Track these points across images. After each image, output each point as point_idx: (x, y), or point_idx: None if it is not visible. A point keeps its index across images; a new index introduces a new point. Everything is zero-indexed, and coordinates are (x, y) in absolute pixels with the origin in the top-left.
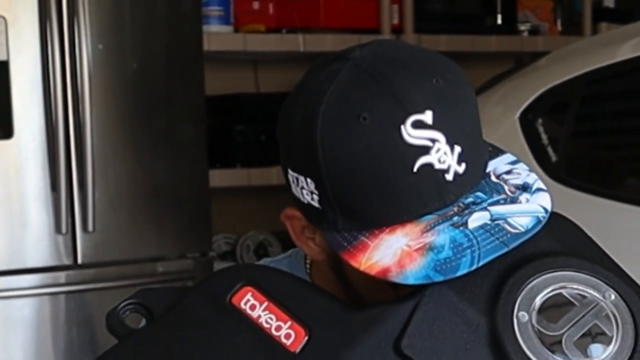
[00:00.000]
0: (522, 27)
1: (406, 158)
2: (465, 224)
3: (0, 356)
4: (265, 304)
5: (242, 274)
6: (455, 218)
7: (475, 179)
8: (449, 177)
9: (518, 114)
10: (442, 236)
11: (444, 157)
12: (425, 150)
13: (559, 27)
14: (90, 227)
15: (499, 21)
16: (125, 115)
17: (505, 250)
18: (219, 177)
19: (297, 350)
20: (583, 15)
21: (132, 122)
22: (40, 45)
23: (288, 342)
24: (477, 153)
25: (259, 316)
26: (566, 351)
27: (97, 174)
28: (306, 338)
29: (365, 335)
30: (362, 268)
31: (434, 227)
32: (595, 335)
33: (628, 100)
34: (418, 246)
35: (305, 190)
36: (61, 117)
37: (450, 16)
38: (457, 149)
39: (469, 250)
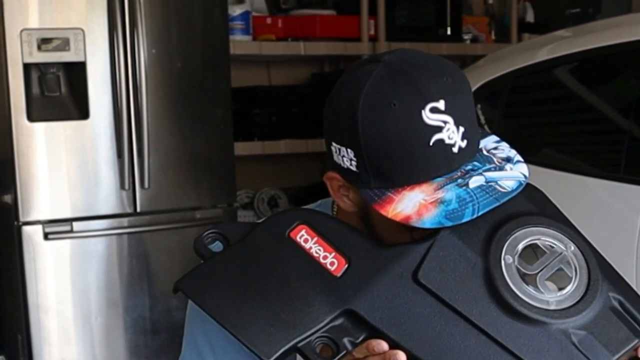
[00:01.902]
0: (466, 37)
1: (425, 134)
2: (467, 184)
3: (80, 280)
4: (315, 238)
5: (298, 215)
6: (459, 180)
7: (473, 152)
8: (455, 149)
9: None
10: (450, 193)
11: (452, 134)
12: (439, 129)
13: (493, 37)
14: (146, 185)
15: (449, 32)
16: (172, 102)
17: (497, 204)
18: (241, 148)
19: (339, 275)
20: (510, 28)
21: (177, 107)
22: (109, 50)
23: (332, 268)
24: (474, 133)
25: (310, 247)
26: (539, 286)
27: (151, 145)
28: (346, 265)
29: (391, 265)
30: (389, 216)
31: (444, 186)
32: (563, 280)
33: (543, 90)
34: (432, 200)
35: (346, 158)
36: (124, 103)
37: (412, 28)
38: (461, 129)
39: (470, 204)
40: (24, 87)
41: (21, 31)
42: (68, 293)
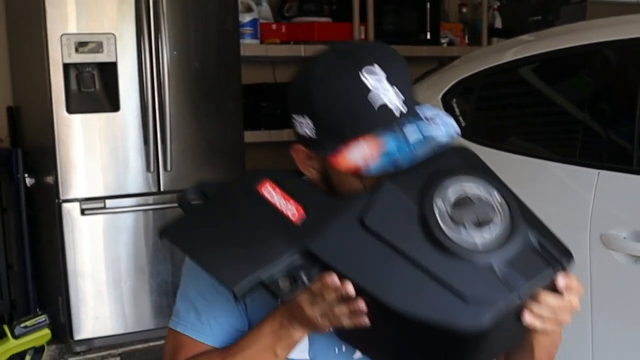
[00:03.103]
0: (443, 41)
1: (364, 91)
2: (406, 137)
3: (112, 249)
4: (278, 192)
5: (265, 173)
6: (400, 134)
7: (410, 112)
8: (392, 107)
9: (440, 96)
10: (392, 144)
11: (388, 93)
12: (375, 88)
13: (466, 41)
14: (168, 167)
15: (428, 36)
16: (190, 97)
17: (431, 154)
18: (250, 136)
19: (298, 221)
20: (481, 33)
21: (195, 101)
22: (136, 52)
23: (292, 216)
24: (409, 96)
25: (274, 199)
26: (467, 228)
27: (172, 133)
28: (303, 213)
29: (342, 212)
30: (342, 167)
31: (386, 139)
32: (487, 222)
33: (510, 87)
34: (377, 151)
35: (305, 125)
36: (150, 97)
37: (397, 33)
38: (395, 88)
39: (409, 154)
40: (64, 84)
41: (61, 36)
42: (101, 261)
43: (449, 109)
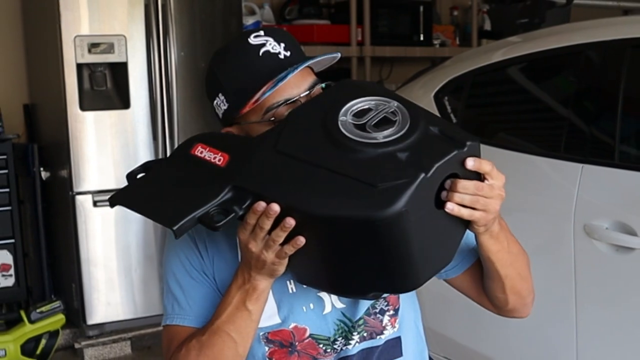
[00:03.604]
0: (435, 42)
1: (254, 50)
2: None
3: (123, 239)
4: (207, 149)
5: (197, 138)
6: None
7: (299, 59)
8: (281, 56)
9: (432, 94)
10: (282, 74)
11: (275, 47)
12: (263, 45)
13: (457, 42)
14: None
15: (421, 38)
16: (197, 95)
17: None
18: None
19: (224, 165)
20: (472, 35)
21: (201, 99)
22: (146, 52)
23: (219, 162)
24: (296, 50)
25: (204, 155)
26: (368, 129)
27: (180, 130)
28: (228, 158)
29: (259, 146)
30: (250, 107)
31: (278, 81)
32: (387, 122)
33: (498, 85)
34: (272, 90)
35: (221, 104)
36: (158, 96)
37: (392, 35)
38: (282, 44)
39: (294, 71)
40: (77, 83)
41: (75, 37)
42: (112, 250)
43: (441, 107)
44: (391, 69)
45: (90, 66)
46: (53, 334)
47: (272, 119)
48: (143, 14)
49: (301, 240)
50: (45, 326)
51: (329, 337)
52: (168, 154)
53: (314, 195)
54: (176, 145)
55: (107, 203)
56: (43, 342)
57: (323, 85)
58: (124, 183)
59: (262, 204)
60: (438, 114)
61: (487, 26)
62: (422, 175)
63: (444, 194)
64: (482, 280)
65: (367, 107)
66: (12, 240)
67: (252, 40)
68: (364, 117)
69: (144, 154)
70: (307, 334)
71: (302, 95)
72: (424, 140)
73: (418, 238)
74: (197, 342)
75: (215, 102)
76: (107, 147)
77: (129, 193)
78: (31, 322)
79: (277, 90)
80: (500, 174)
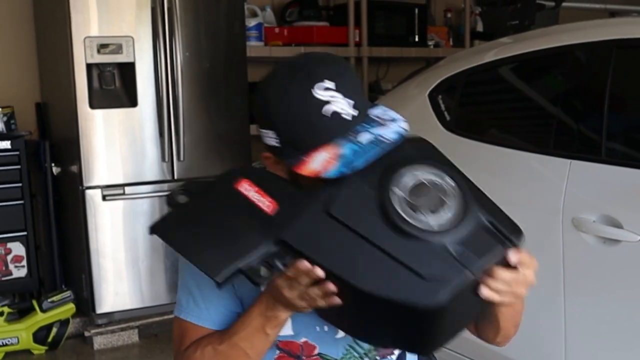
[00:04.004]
0: (430, 43)
1: (318, 107)
2: (359, 141)
3: (130, 232)
4: (255, 188)
5: (242, 172)
6: (353, 139)
7: (361, 112)
8: (348, 117)
9: (427, 93)
10: (346, 149)
11: (343, 106)
12: (329, 102)
13: (451, 43)
14: (181, 158)
15: (417, 39)
16: (202, 93)
17: (383, 152)
18: (255, 129)
19: (272, 214)
20: (464, 36)
21: (206, 97)
22: (152, 53)
23: (267, 209)
24: (362, 104)
25: (250, 195)
26: (423, 212)
27: (185, 127)
28: (277, 207)
29: (311, 205)
30: (305, 173)
31: (341, 145)
32: (441, 205)
33: (490, 84)
34: (333, 156)
35: (270, 138)
36: (165, 94)
37: (388, 36)
38: (350, 101)
39: (362, 154)
40: (87, 82)
41: (84, 38)
42: (121, 242)
43: (435, 105)
44: (387, 69)
45: (100, 66)
46: (64, 323)
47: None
48: (150, 16)
49: (337, 301)
50: (56, 315)
51: (336, 359)
52: (174, 151)
53: (362, 270)
54: (182, 142)
55: (116, 197)
56: (54, 330)
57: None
58: (132, 178)
59: (306, 265)
60: (432, 113)
61: (480, 28)
62: (471, 276)
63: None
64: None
65: (421, 181)
66: (25, 233)
67: (319, 94)
68: (419, 195)
69: (151, 150)
70: (316, 351)
71: None
72: (474, 231)
73: (448, 320)
74: (212, 349)
75: (262, 130)
76: (115, 143)
77: (169, 223)
78: (43, 311)
79: None
80: (533, 262)
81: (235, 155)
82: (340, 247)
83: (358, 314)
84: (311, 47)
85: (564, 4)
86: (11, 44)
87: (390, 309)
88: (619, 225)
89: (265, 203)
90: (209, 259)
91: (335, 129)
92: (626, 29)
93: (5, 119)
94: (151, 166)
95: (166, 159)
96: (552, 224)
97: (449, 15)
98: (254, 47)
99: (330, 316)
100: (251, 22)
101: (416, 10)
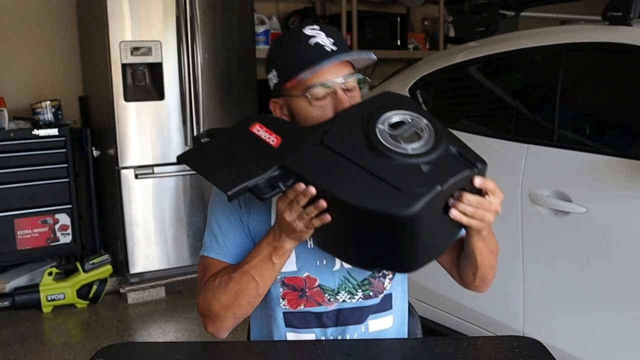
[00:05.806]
0: (410, 46)
1: (307, 40)
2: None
3: (158, 205)
4: (264, 129)
5: (256, 118)
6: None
7: (342, 52)
8: (328, 49)
9: (407, 88)
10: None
11: (325, 40)
12: (314, 36)
13: (427, 46)
14: None
15: (399, 43)
16: (218, 89)
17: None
18: None
19: (277, 146)
20: (439, 40)
21: (222, 93)
22: (177, 54)
23: (272, 143)
24: (342, 46)
25: (261, 134)
26: (400, 141)
27: (204, 117)
28: (281, 140)
29: (308, 137)
30: (297, 92)
31: (317, 66)
32: (416, 137)
33: (460, 81)
34: (312, 73)
35: (273, 78)
36: (187, 90)
37: (375, 40)
38: (331, 39)
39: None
40: (122, 79)
41: (120, 42)
42: (150, 213)
43: (414, 98)
44: (374, 69)
45: (132, 66)
46: (103, 281)
47: (309, 96)
48: (175, 24)
49: (328, 218)
50: (96, 275)
51: (333, 289)
52: (195, 136)
53: (347, 186)
54: (202, 129)
55: (146, 176)
56: (94, 287)
57: (358, 76)
58: (160, 159)
59: (302, 185)
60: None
61: (452, 33)
62: (439, 188)
63: (451, 201)
64: (457, 258)
65: (401, 120)
66: (70, 206)
67: (307, 31)
68: (398, 129)
69: (176, 136)
70: (317, 283)
71: (335, 81)
72: (444, 157)
73: (424, 234)
74: (228, 277)
75: (269, 75)
76: (145, 131)
77: (194, 155)
78: (85, 271)
79: (317, 74)
80: (499, 193)
81: None
82: (332, 170)
83: (347, 234)
84: None
85: (522, 13)
86: (58, 47)
87: (373, 223)
88: (568, 199)
89: (271, 139)
90: (224, 178)
91: (318, 56)
92: (575, 34)
93: (53, 110)
94: (176, 149)
95: (188, 143)
96: (513, 198)
97: (426, 23)
98: (262, 49)
99: (326, 244)
100: (260, 29)
101: (398, 19)
